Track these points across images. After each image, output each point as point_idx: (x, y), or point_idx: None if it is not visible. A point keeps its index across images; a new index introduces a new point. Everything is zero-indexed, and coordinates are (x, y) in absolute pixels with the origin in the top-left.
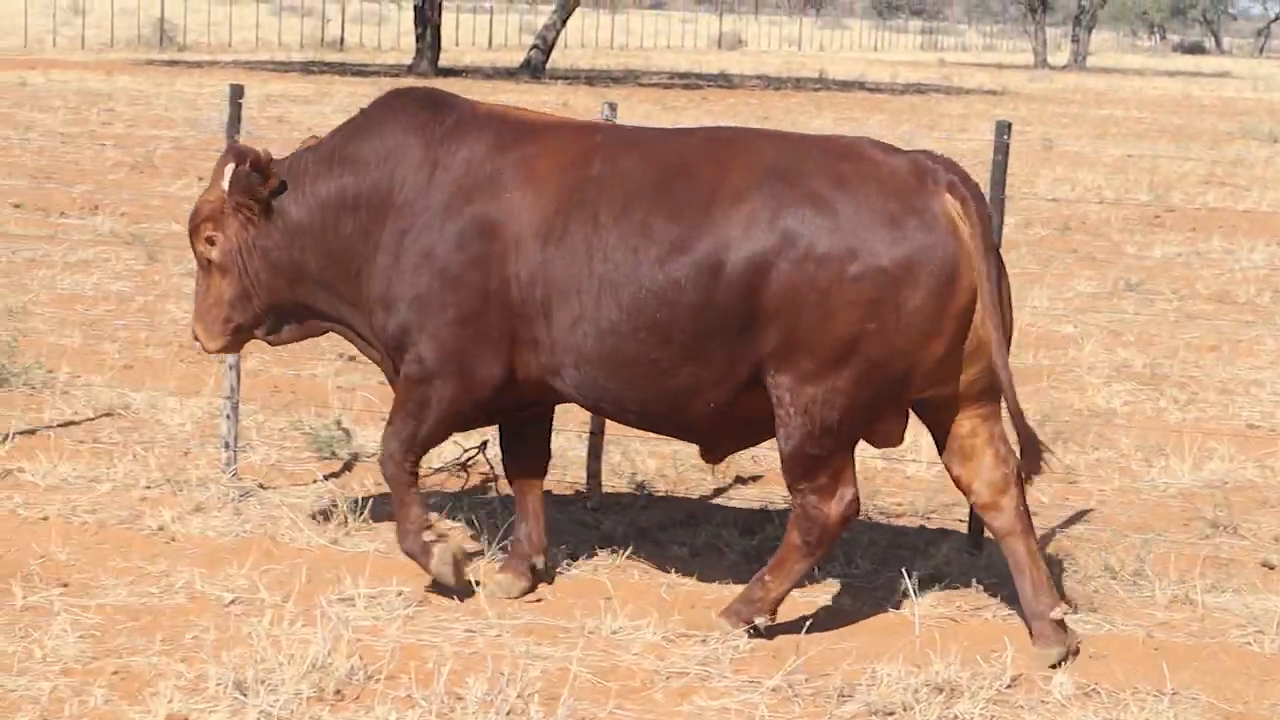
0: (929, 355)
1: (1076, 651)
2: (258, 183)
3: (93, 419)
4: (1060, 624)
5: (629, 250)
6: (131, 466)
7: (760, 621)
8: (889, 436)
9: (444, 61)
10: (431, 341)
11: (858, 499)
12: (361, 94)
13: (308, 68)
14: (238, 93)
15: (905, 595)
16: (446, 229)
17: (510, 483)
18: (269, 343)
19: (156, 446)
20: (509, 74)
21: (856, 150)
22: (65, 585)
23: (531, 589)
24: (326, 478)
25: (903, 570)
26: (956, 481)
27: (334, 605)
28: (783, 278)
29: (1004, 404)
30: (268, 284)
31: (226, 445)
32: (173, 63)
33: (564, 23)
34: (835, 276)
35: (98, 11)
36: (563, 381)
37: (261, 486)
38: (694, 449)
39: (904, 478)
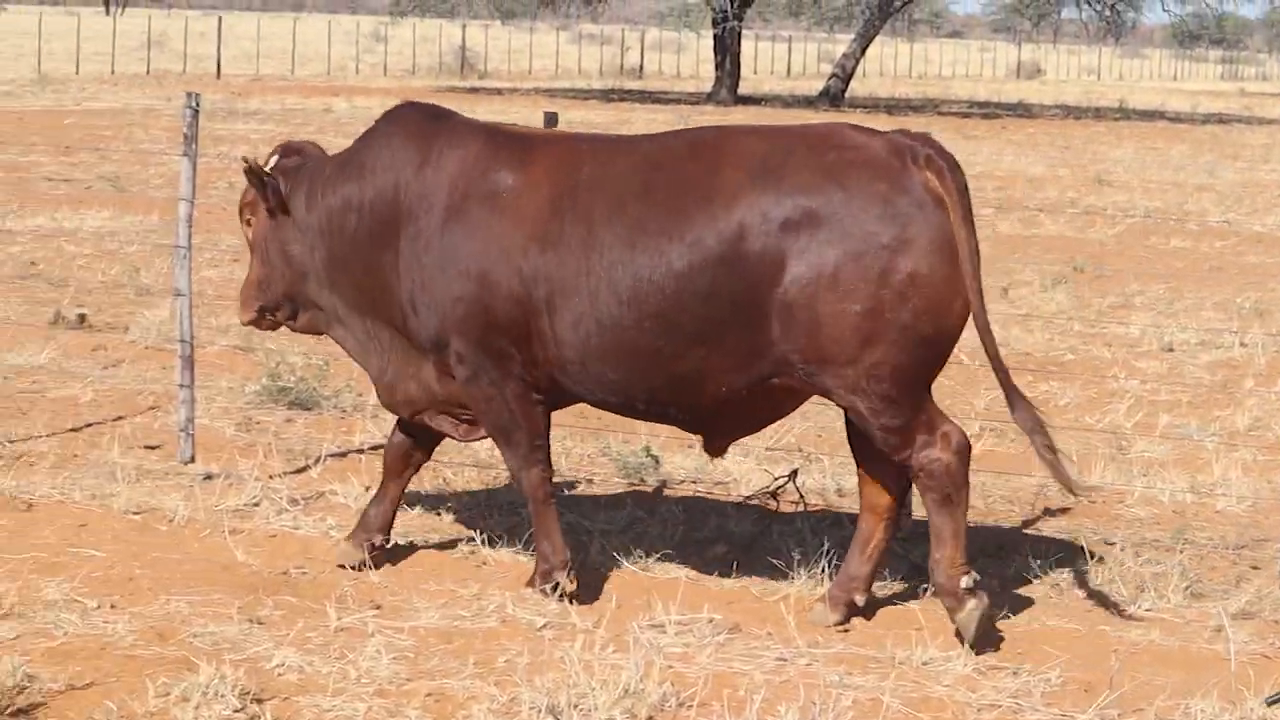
0: (955, 313)
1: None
2: (259, 182)
3: None
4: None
5: (626, 246)
6: (441, 489)
7: (965, 582)
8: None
9: (743, 89)
10: (461, 338)
11: (960, 430)
12: (661, 121)
13: (607, 95)
14: (551, 119)
15: (1218, 630)
16: (448, 229)
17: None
18: (290, 329)
19: (465, 470)
20: (808, 102)
21: (839, 137)
22: (378, 607)
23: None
24: (636, 503)
25: (1216, 605)
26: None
27: (645, 631)
28: (794, 268)
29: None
30: (282, 272)
31: None
32: (474, 90)
33: (863, 51)
34: (842, 259)
35: (399, 39)
36: (568, 377)
37: (571, 511)
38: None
39: (1214, 512)
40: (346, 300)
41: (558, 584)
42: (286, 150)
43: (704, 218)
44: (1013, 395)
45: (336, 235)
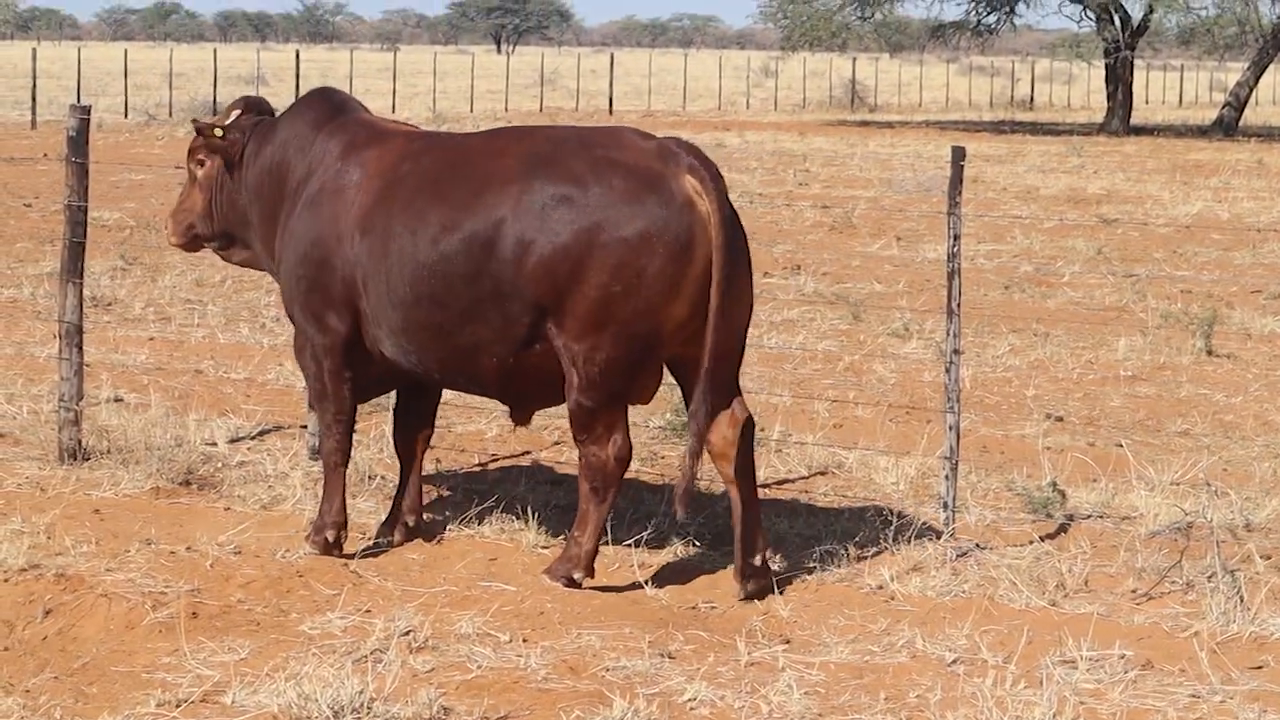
0: (672, 316)
1: (768, 590)
2: (214, 138)
3: (806, 477)
4: (763, 566)
5: (409, 233)
6: (848, 525)
7: (578, 576)
8: (644, 392)
9: (1134, 119)
10: (302, 309)
11: (629, 444)
12: (1054, 152)
13: (998, 127)
14: (959, 154)
15: None
16: (306, 215)
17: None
18: (220, 257)
19: (871, 505)
20: (1200, 131)
21: (613, 138)
22: (788, 642)
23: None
24: (1043, 539)
25: None
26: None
27: (1057, 667)
28: (541, 250)
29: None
30: (226, 215)
31: (945, 505)
32: (864, 123)
33: (1256, 80)
34: (585, 247)
35: (789, 74)
36: (386, 350)
37: (978, 546)
38: None
39: None
40: (272, 254)
41: (328, 540)
42: (247, 107)
43: (476, 205)
44: (706, 403)
45: (263, 198)
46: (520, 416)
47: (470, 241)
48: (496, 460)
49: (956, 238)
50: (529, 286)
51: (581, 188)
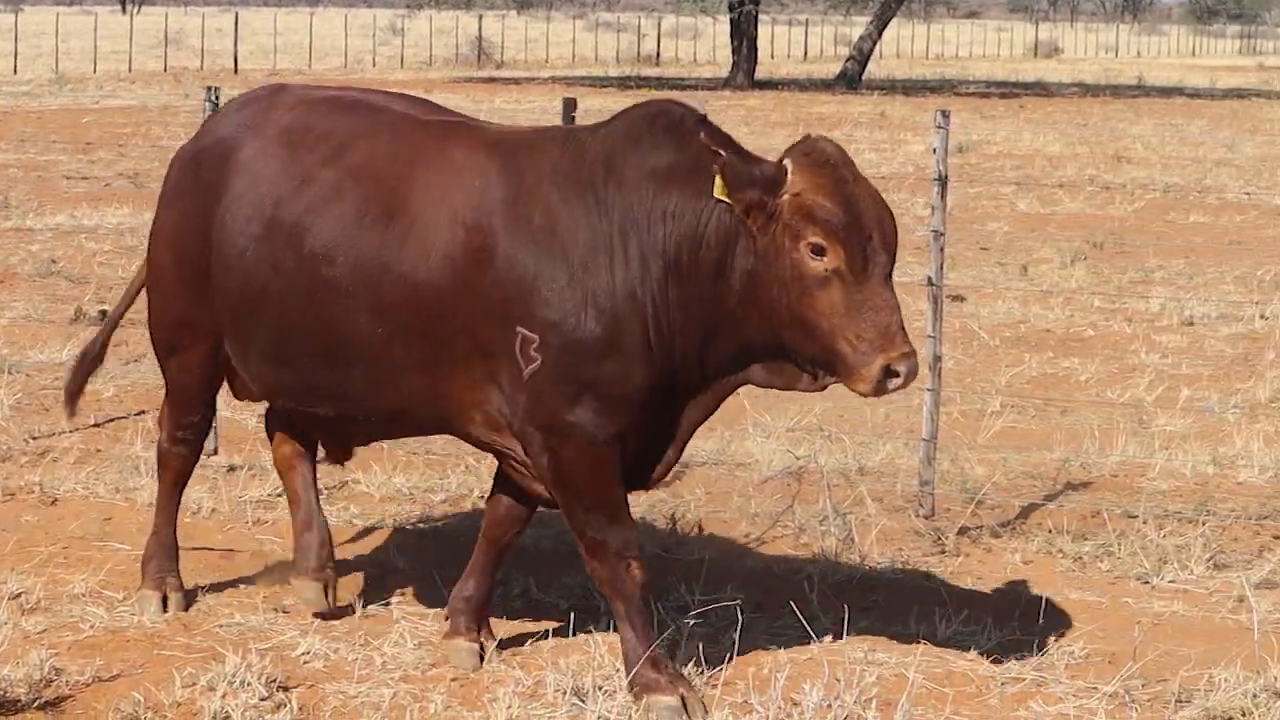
0: None
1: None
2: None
3: None
4: None
5: None
6: (464, 478)
7: None
8: None
9: (759, 74)
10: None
11: None
12: None
13: (624, 82)
14: (570, 105)
15: (1241, 601)
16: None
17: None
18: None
19: (486, 459)
20: (825, 85)
21: None
22: (402, 594)
23: None
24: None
25: (1239, 576)
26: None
27: (669, 613)
28: None
29: None
30: None
31: None
32: (491, 79)
33: (880, 33)
34: None
35: (415, 31)
36: None
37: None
38: None
39: (1236, 483)
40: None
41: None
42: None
43: None
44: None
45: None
46: None
47: None
48: (113, 421)
49: None
50: None
51: None
